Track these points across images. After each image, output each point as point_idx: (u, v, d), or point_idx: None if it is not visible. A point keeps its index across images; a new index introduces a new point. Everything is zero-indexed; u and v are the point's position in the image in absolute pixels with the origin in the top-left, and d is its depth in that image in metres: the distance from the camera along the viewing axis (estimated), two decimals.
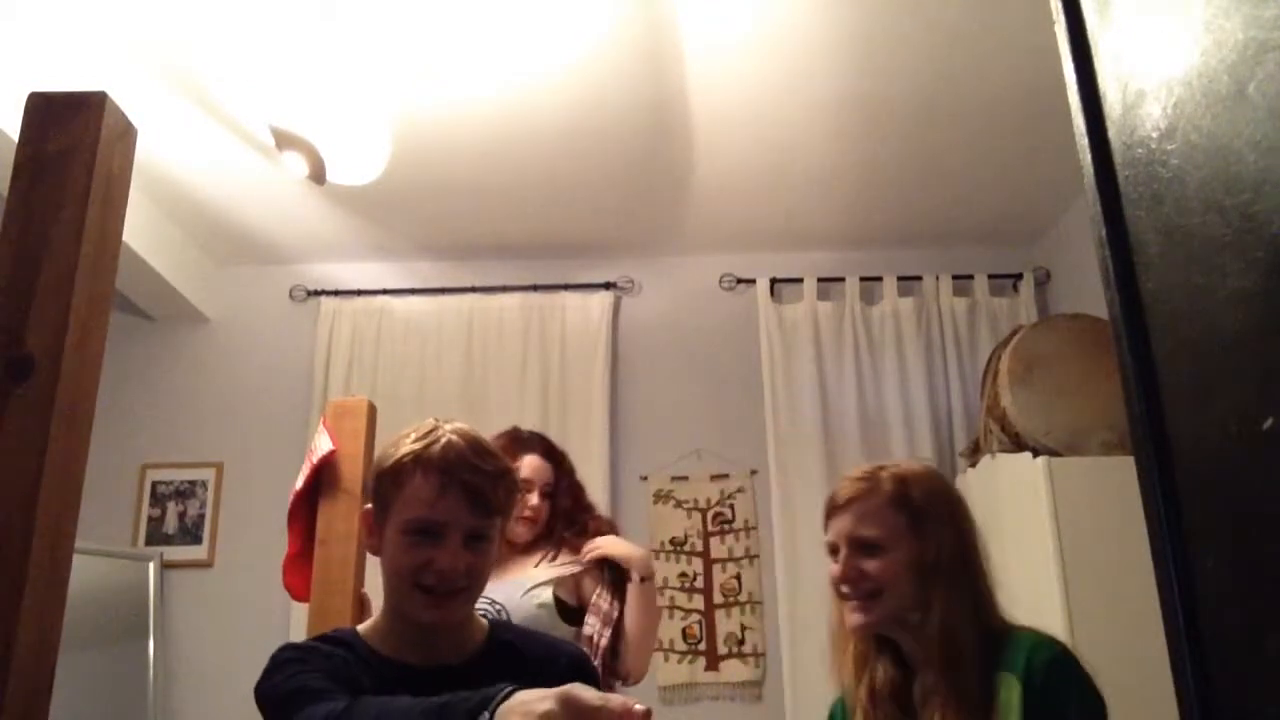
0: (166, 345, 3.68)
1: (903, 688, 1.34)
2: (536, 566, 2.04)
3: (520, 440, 2.16)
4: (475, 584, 1.23)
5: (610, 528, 2.17)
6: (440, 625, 1.22)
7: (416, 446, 1.20)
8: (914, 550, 1.31)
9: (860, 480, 1.37)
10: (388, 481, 1.21)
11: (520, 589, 1.97)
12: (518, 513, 2.04)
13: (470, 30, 2.42)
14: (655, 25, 2.43)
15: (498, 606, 1.92)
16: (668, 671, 3.30)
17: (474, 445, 1.22)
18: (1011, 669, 1.24)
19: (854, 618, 1.33)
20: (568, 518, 2.12)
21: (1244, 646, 0.60)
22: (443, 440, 1.20)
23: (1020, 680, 1.22)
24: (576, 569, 2.05)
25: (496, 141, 2.93)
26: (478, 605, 1.86)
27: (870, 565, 1.31)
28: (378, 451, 1.27)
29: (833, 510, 1.38)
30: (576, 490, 2.18)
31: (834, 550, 1.37)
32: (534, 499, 2.07)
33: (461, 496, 1.18)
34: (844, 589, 1.34)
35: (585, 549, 2.04)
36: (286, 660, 1.17)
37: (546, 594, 1.99)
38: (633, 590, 1.99)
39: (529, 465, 2.10)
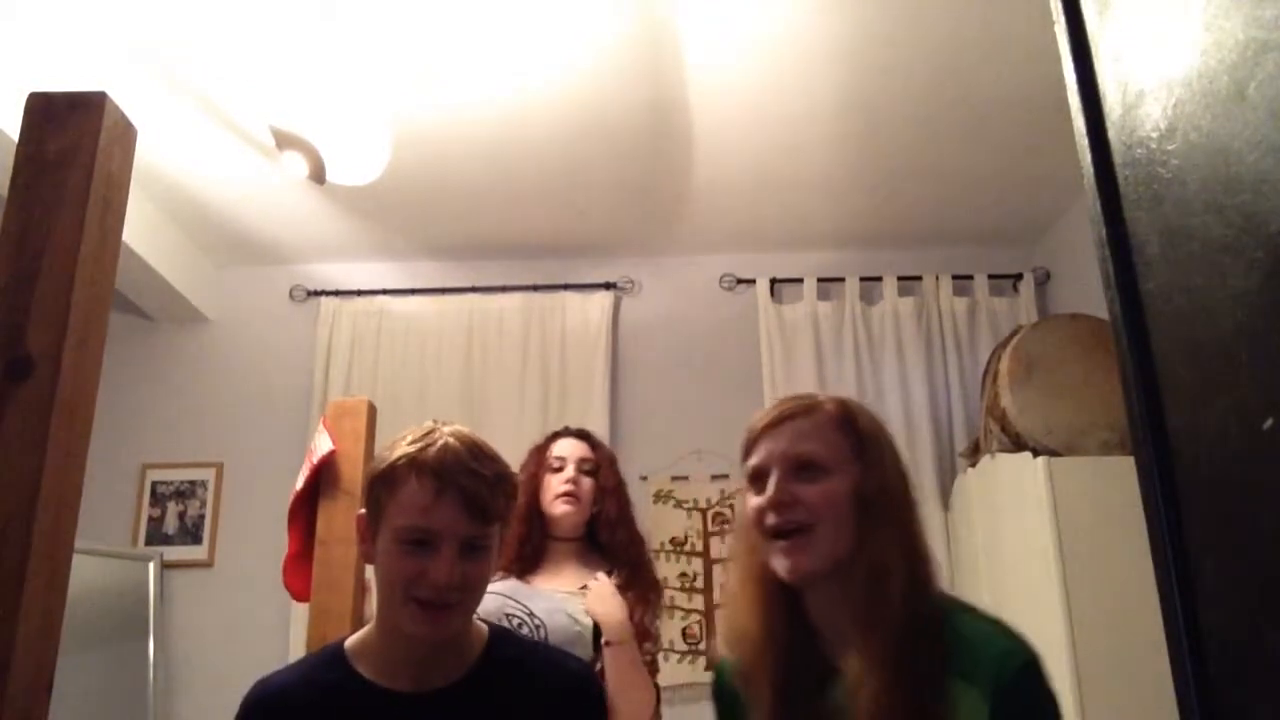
0: (166, 345, 3.68)
1: (806, 648, 1.14)
2: (583, 588, 1.96)
3: (555, 433, 2.16)
4: (471, 596, 1.17)
5: (639, 559, 2.05)
6: (432, 640, 1.15)
7: (412, 449, 1.14)
8: (856, 479, 1.11)
9: (796, 400, 1.19)
10: (381, 485, 1.15)
11: (562, 610, 1.90)
12: (554, 491, 2.00)
13: (471, 30, 2.42)
14: (656, 25, 2.43)
15: (537, 621, 1.86)
16: (668, 671, 3.29)
17: (472, 449, 1.16)
18: (970, 678, 1.04)
19: (785, 561, 1.10)
20: (615, 501, 2.05)
21: (1244, 646, 0.60)
22: (439, 443, 1.14)
23: (986, 700, 1.02)
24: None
25: (497, 142, 2.93)
26: (514, 612, 1.85)
27: (808, 491, 1.11)
28: (375, 456, 1.22)
29: (762, 431, 1.17)
30: (621, 480, 2.11)
31: (760, 476, 1.16)
32: (569, 471, 2.02)
33: (458, 503, 1.12)
34: (771, 519, 1.11)
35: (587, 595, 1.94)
36: None
37: (588, 617, 1.90)
38: (606, 653, 1.86)
39: (561, 446, 2.07)
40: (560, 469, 2.03)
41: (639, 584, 2.00)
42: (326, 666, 1.20)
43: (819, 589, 1.14)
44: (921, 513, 1.19)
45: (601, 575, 1.97)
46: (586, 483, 2.04)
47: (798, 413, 1.16)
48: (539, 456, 2.07)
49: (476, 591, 1.17)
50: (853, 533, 1.10)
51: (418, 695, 1.16)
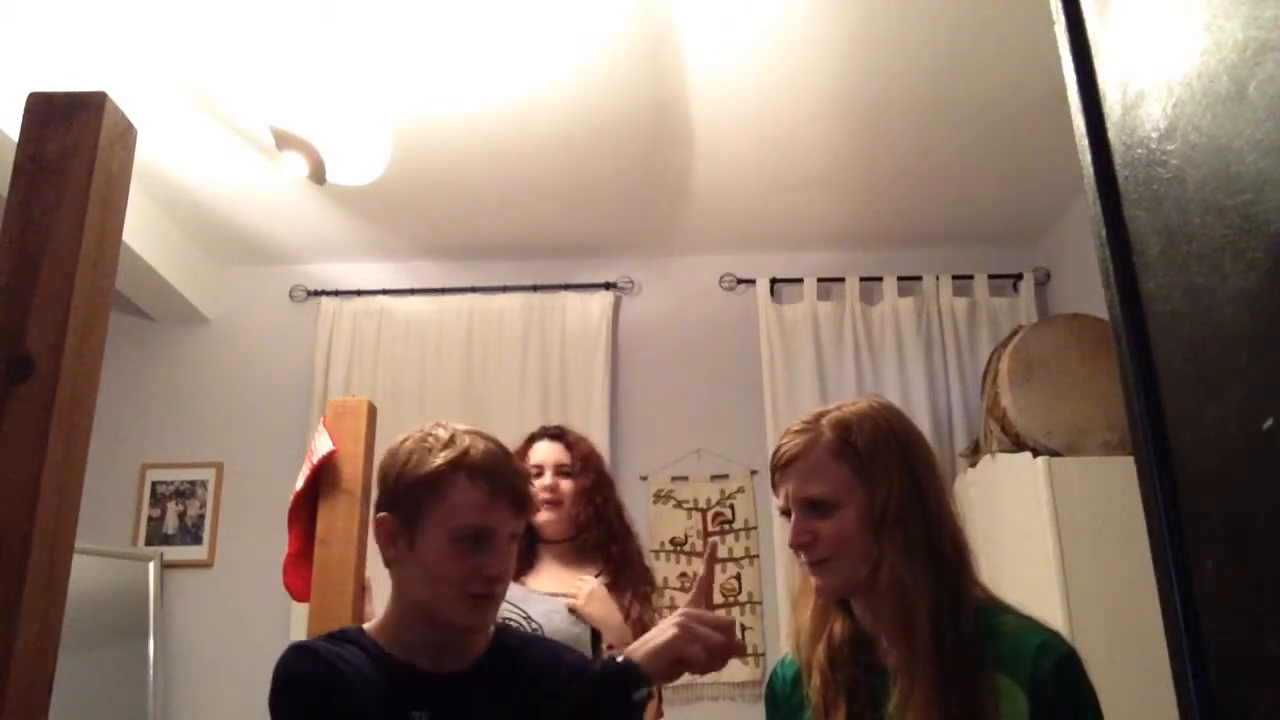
0: (166, 345, 3.68)
1: (863, 646, 1.22)
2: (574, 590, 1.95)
3: (531, 435, 2.16)
4: (507, 585, 1.25)
5: (623, 555, 2.05)
6: (481, 628, 1.24)
7: (453, 454, 1.19)
8: (862, 504, 1.18)
9: (801, 432, 1.24)
10: (423, 491, 1.19)
11: (559, 611, 1.90)
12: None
13: (471, 31, 2.42)
14: (656, 25, 2.43)
15: (535, 625, 1.86)
16: None
17: (503, 448, 1.25)
18: (1010, 671, 1.10)
19: (813, 582, 1.23)
20: (590, 501, 2.05)
21: (1244, 646, 0.60)
22: (478, 446, 1.21)
23: (1025, 691, 1.08)
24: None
25: (497, 142, 2.93)
26: (510, 615, 1.85)
27: (823, 527, 1.19)
28: (392, 460, 1.24)
29: (777, 468, 1.26)
30: (600, 475, 2.11)
31: (785, 513, 1.26)
32: (546, 479, 2.03)
33: (508, 501, 1.19)
34: (799, 554, 1.24)
35: (576, 595, 1.94)
36: (300, 703, 1.16)
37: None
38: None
39: (537, 451, 2.09)
40: (539, 475, 2.04)
41: (627, 579, 2.00)
42: (353, 641, 1.24)
43: (858, 599, 1.23)
44: (948, 505, 1.22)
45: (588, 577, 1.97)
46: (565, 485, 2.05)
47: (799, 453, 1.23)
48: None
49: (510, 580, 1.26)
50: (870, 554, 1.17)
51: (436, 674, 1.22)
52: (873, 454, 1.20)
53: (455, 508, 1.17)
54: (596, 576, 1.99)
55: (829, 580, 1.21)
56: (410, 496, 1.20)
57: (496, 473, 1.19)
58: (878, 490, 1.18)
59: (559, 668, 1.30)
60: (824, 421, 1.24)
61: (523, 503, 1.22)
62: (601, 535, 2.04)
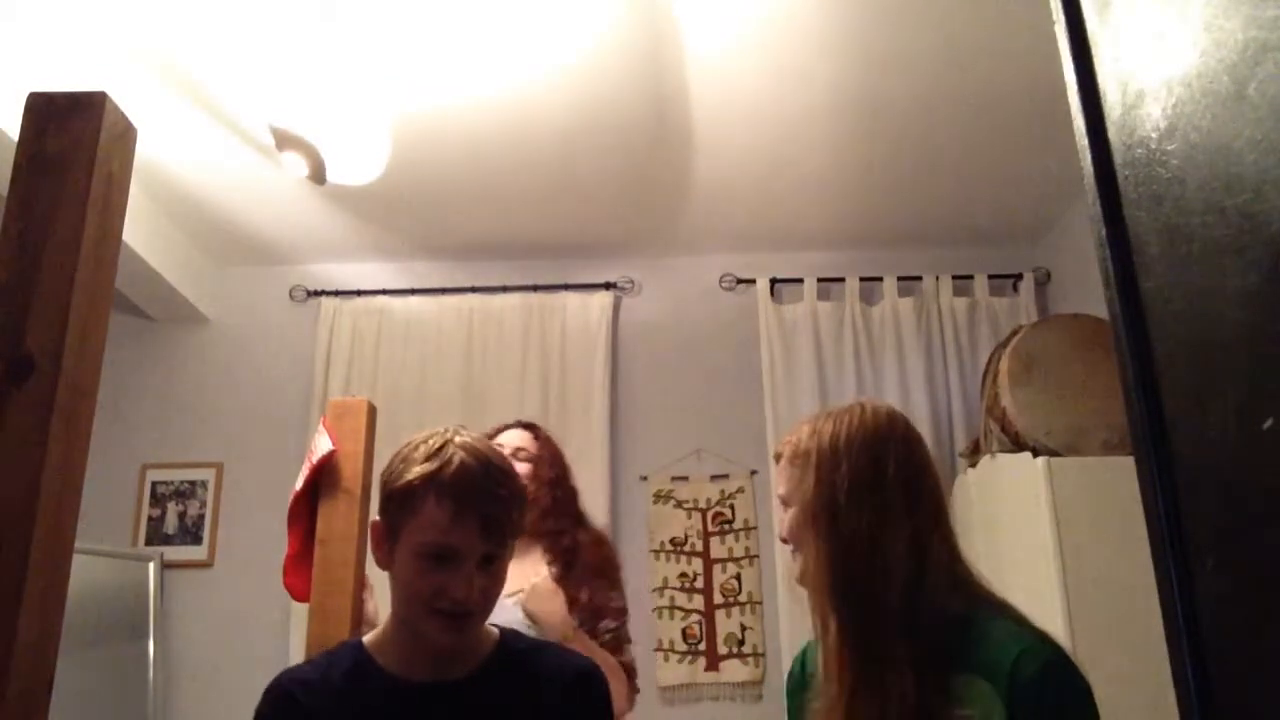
0: (166, 345, 3.68)
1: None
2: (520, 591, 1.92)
3: (504, 425, 2.17)
4: (488, 605, 1.22)
5: (574, 542, 2.03)
6: (454, 646, 1.21)
7: (428, 468, 1.16)
8: (805, 503, 1.25)
9: (786, 439, 1.34)
10: (397, 503, 1.18)
11: (514, 620, 1.83)
12: None
13: (470, 30, 2.42)
14: (655, 25, 2.43)
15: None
16: (668, 672, 3.30)
17: (487, 467, 1.19)
18: (990, 676, 1.08)
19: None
20: (548, 492, 2.04)
21: (1244, 646, 0.60)
22: (455, 462, 1.17)
23: (1002, 697, 1.06)
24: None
25: (497, 142, 2.93)
26: None
27: (785, 520, 1.30)
28: (388, 466, 1.23)
29: None
30: (563, 473, 2.11)
31: None
32: None
33: (476, 524, 1.16)
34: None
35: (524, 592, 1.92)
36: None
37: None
38: None
39: (504, 436, 2.10)
40: None
41: (579, 565, 1.98)
42: (347, 659, 1.24)
43: None
44: (903, 514, 1.21)
45: (542, 570, 1.96)
46: (523, 469, 2.02)
47: (777, 458, 1.35)
48: None
49: (493, 599, 1.23)
50: (814, 549, 1.23)
51: (436, 684, 1.21)
52: (819, 455, 1.25)
53: (421, 524, 1.15)
54: (550, 565, 1.97)
55: (796, 571, 1.29)
56: (389, 506, 1.20)
57: (466, 496, 1.15)
58: (817, 491, 1.24)
59: (567, 671, 1.29)
60: (802, 429, 1.32)
61: (496, 527, 1.17)
62: (554, 525, 2.03)
